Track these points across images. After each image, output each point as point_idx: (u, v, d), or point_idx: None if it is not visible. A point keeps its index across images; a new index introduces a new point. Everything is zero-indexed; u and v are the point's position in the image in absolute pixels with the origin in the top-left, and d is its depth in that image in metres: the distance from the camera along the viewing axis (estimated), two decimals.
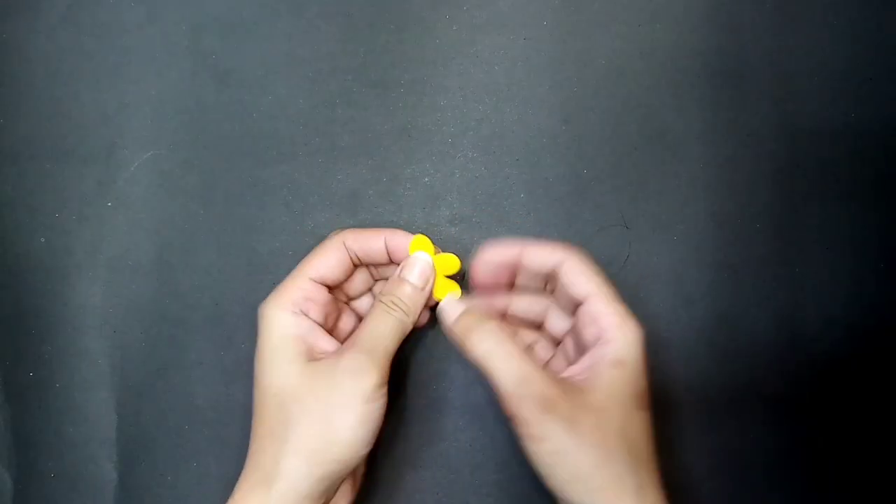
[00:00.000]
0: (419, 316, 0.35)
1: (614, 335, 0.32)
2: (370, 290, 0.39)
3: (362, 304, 0.38)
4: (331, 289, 0.36)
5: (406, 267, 0.35)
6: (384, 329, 0.33)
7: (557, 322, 0.37)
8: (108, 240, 0.40)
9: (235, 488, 0.32)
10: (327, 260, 0.35)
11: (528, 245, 0.35)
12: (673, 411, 0.40)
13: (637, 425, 0.32)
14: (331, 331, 0.36)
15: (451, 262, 0.37)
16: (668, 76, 0.40)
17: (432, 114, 0.40)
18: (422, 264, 0.35)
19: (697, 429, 0.40)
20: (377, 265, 0.37)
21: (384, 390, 0.32)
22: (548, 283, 0.36)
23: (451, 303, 0.35)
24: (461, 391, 0.40)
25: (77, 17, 0.40)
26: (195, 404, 0.40)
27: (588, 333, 0.33)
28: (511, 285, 0.37)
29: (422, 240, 0.36)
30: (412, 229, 0.40)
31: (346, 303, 0.38)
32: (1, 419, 0.40)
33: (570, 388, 0.31)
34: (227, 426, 0.39)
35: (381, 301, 0.34)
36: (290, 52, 0.40)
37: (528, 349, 0.37)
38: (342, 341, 0.35)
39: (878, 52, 0.40)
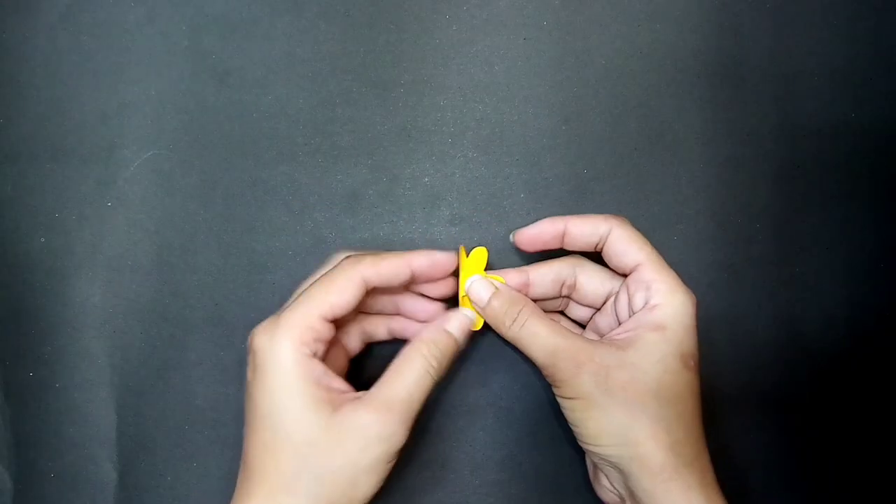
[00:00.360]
0: None
1: (661, 300, 0.33)
2: (361, 312, 0.36)
3: (351, 338, 0.36)
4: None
5: (451, 319, 0.34)
6: (420, 386, 0.31)
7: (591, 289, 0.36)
8: (107, 240, 0.40)
9: None
10: (343, 296, 0.32)
11: (574, 218, 0.35)
12: None
13: (678, 384, 0.32)
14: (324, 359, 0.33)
15: (481, 257, 0.36)
16: (668, 76, 0.40)
17: (432, 114, 0.40)
18: (464, 320, 0.34)
19: None
20: (394, 293, 0.36)
21: (407, 441, 0.31)
22: (598, 246, 0.35)
23: (480, 283, 0.35)
24: (461, 391, 0.40)
25: (77, 17, 0.40)
26: (195, 404, 0.40)
27: (637, 299, 0.34)
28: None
29: (479, 255, 0.36)
30: (412, 229, 0.40)
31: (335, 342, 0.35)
32: (1, 419, 0.40)
33: (604, 349, 0.32)
34: (227, 426, 0.39)
35: (421, 353, 0.32)
36: (290, 52, 0.40)
37: (586, 331, 0.38)
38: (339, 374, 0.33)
39: (878, 52, 0.40)
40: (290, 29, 0.40)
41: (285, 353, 0.30)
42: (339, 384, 0.32)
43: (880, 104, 0.40)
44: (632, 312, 0.34)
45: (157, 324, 0.40)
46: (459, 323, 0.34)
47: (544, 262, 0.36)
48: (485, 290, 0.34)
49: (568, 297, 0.37)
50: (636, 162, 0.40)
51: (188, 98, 0.40)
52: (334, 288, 0.32)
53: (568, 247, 0.36)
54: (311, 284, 0.32)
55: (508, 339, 0.34)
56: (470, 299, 0.35)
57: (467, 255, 0.36)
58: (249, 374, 0.32)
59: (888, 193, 0.40)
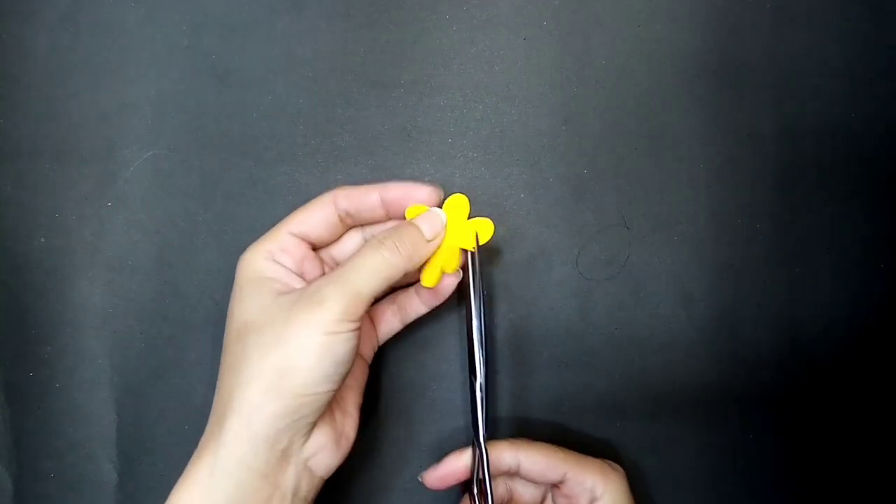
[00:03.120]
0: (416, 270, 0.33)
1: (605, 488, 0.34)
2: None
3: None
4: (316, 248, 0.34)
5: (424, 216, 0.33)
6: (367, 264, 0.30)
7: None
8: (107, 239, 0.40)
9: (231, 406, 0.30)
10: (310, 216, 0.33)
11: (485, 454, 0.34)
12: (673, 411, 0.40)
13: None
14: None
15: (486, 227, 0.35)
16: (668, 76, 0.40)
17: (432, 114, 0.40)
18: (433, 216, 0.33)
19: (697, 428, 0.40)
20: (373, 223, 0.35)
21: (352, 327, 0.29)
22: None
23: (436, 215, 0.33)
24: (461, 392, 0.40)
25: (77, 17, 0.40)
26: (195, 404, 0.40)
27: (583, 500, 0.35)
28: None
29: (459, 199, 0.34)
30: None
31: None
32: (1, 419, 0.40)
33: None
34: None
35: (373, 238, 0.31)
36: (290, 51, 0.40)
37: None
38: None
39: (878, 53, 0.40)
40: (291, 29, 0.40)
41: (248, 256, 0.32)
42: (301, 283, 0.32)
43: (880, 104, 0.40)
44: None
45: (157, 324, 0.40)
46: (434, 219, 0.33)
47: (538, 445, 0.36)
48: (439, 222, 0.33)
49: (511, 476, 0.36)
50: (636, 162, 0.40)
51: (188, 98, 0.40)
52: (304, 207, 0.33)
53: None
54: None
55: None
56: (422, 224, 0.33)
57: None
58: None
59: (888, 193, 0.40)
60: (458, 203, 0.35)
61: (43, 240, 0.40)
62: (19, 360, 0.40)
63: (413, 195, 0.33)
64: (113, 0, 0.40)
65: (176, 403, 0.40)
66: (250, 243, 0.39)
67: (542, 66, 0.40)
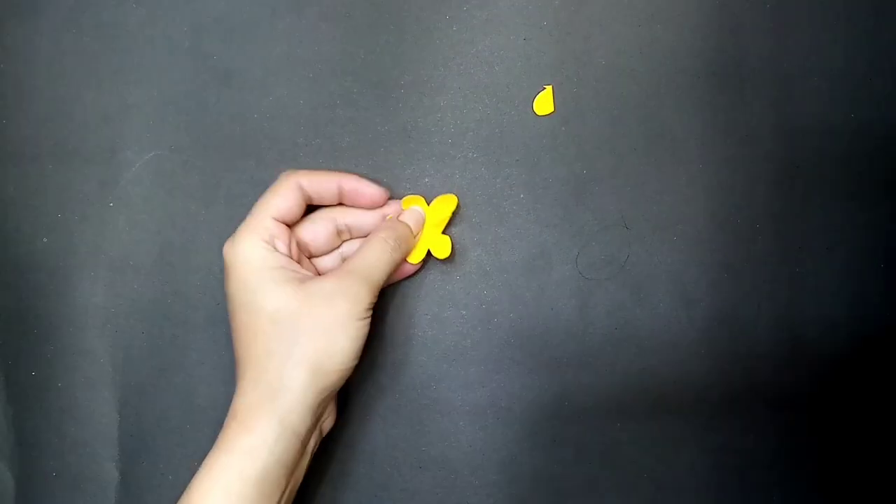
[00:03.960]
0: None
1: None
2: (334, 249, 0.39)
3: (324, 262, 0.39)
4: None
5: (405, 214, 0.38)
6: (380, 259, 0.36)
7: None
8: (109, 240, 0.40)
9: (234, 411, 0.33)
10: (285, 200, 0.36)
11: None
12: (673, 411, 0.40)
13: None
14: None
15: (449, 202, 0.39)
16: (667, 76, 0.40)
17: (432, 114, 0.40)
18: (417, 216, 0.38)
19: (698, 429, 0.40)
20: (325, 205, 0.38)
21: (371, 311, 0.35)
22: None
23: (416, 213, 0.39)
24: (461, 392, 0.40)
25: (79, 19, 0.40)
26: (196, 404, 0.40)
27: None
28: None
29: (414, 199, 0.39)
30: None
31: (309, 258, 0.38)
32: (3, 418, 0.40)
33: None
34: None
35: (379, 236, 0.36)
36: (291, 53, 0.40)
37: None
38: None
39: (878, 53, 0.40)
40: (291, 30, 0.40)
41: (248, 247, 0.34)
42: (306, 270, 0.36)
43: (880, 104, 0.40)
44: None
45: (158, 323, 0.40)
46: (414, 214, 0.38)
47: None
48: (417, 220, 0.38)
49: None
50: (636, 162, 0.40)
51: (190, 99, 0.40)
52: (277, 193, 0.36)
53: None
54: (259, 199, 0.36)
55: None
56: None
57: (427, 205, 0.39)
58: (225, 283, 0.35)
59: (888, 193, 0.40)
60: (447, 201, 0.39)
61: (45, 240, 0.40)
62: (22, 359, 0.40)
63: (364, 190, 0.38)
64: (115, 2, 0.40)
65: (178, 403, 0.40)
66: None
67: (542, 66, 0.40)
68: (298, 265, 0.35)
